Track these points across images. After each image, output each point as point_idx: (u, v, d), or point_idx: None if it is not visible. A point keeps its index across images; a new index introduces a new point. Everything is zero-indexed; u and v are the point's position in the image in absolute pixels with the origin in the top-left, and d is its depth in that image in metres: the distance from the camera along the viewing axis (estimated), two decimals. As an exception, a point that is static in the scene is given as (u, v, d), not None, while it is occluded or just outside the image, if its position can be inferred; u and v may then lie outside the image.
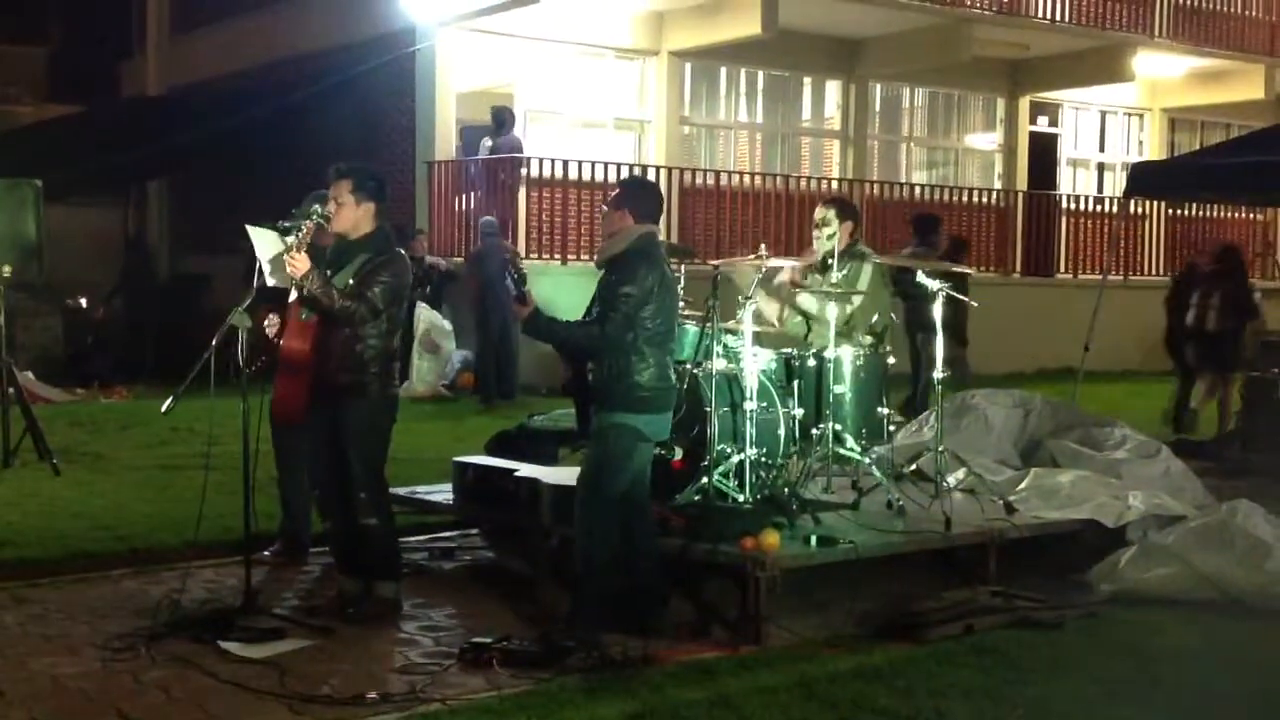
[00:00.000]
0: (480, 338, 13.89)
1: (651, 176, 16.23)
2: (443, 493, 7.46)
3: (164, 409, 5.79)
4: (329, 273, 5.88)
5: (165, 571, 6.72)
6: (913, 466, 7.43)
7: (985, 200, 19.91)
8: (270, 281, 5.92)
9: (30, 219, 9.76)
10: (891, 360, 7.39)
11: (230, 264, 14.41)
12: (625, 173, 15.63)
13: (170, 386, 5.89)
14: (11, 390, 9.55)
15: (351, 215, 5.92)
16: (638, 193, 5.97)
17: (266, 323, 6.04)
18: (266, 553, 6.92)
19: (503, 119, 15.57)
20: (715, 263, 7.36)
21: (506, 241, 14.53)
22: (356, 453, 5.89)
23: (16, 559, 6.80)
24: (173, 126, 20.08)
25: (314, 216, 5.76)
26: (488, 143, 15.52)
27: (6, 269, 9.51)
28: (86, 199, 19.24)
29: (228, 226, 16.72)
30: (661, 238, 6.23)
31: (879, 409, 7.26)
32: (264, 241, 5.93)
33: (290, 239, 5.67)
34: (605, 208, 5.92)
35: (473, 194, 16.03)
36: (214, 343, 5.72)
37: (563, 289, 13.25)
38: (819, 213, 7.57)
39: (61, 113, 24.19)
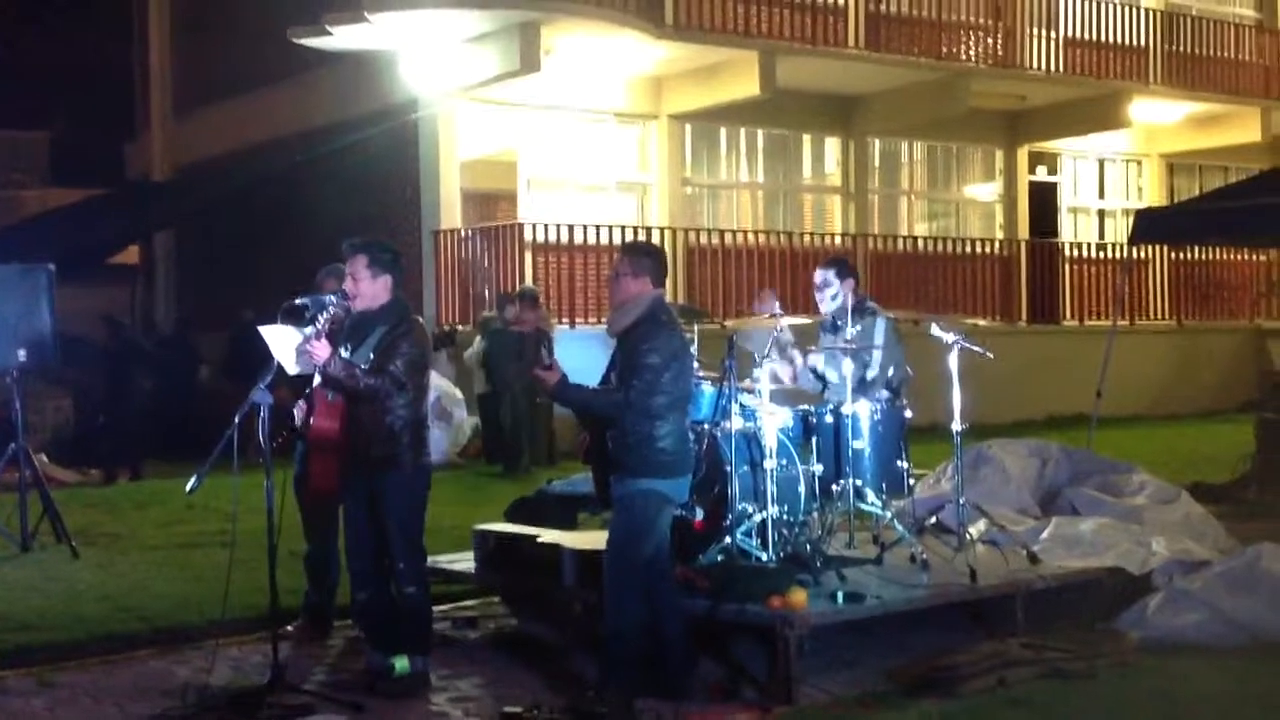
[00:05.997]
0: (514, 404, 13.91)
1: (655, 237, 16.35)
2: (464, 561, 7.45)
3: (189, 489, 5.79)
4: (349, 346, 5.94)
5: (190, 651, 6.71)
6: (934, 519, 7.42)
7: (988, 250, 20.00)
8: (294, 371, 5.97)
9: (44, 303, 9.82)
10: (908, 414, 7.40)
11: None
12: (630, 235, 15.72)
13: (180, 464, 5.91)
14: (28, 473, 9.56)
15: (369, 289, 5.99)
16: (652, 259, 5.97)
17: (296, 408, 6.07)
18: (290, 628, 6.90)
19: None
20: (730, 323, 7.40)
21: (541, 310, 14.58)
22: (395, 524, 5.93)
23: (42, 643, 6.77)
24: (177, 206, 20.28)
25: (333, 306, 5.85)
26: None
27: (21, 353, 9.55)
28: (95, 281, 19.34)
29: (236, 303, 16.92)
30: (669, 299, 6.26)
31: (898, 462, 7.26)
32: (279, 337, 5.99)
33: (309, 329, 5.79)
34: (617, 274, 5.89)
35: (477, 262, 16.16)
36: (236, 420, 5.74)
37: (571, 352, 13.25)
38: (818, 275, 7.60)
39: (66, 197, 24.39)
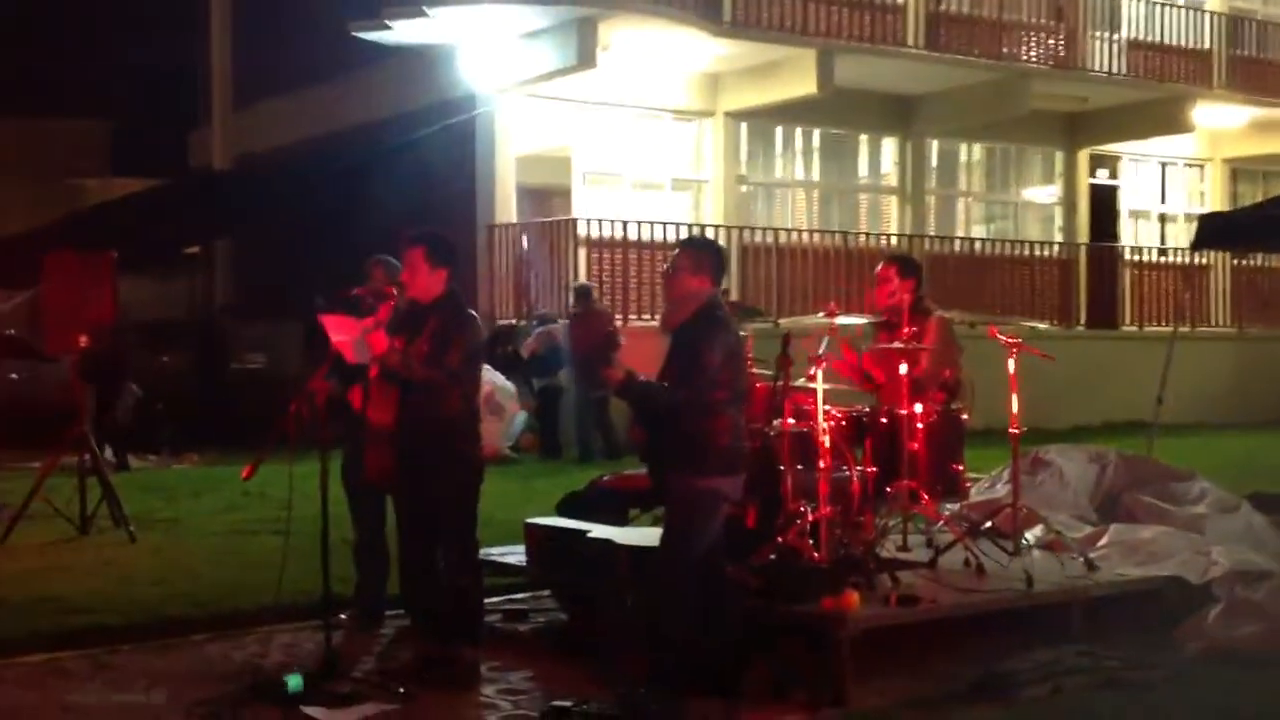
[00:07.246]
0: (579, 397, 14.19)
1: (710, 235, 16.32)
2: (515, 554, 7.46)
3: (245, 477, 5.83)
4: (405, 337, 5.95)
5: (244, 636, 6.76)
6: (989, 524, 7.34)
7: (1047, 253, 19.81)
8: (352, 360, 5.99)
9: (106, 291, 9.92)
10: (965, 416, 7.31)
11: (292, 330, 14.65)
12: (684, 232, 15.70)
13: (232, 451, 5.96)
14: (88, 458, 9.67)
15: (426, 281, 6.01)
16: (712, 256, 5.92)
17: (352, 397, 6.09)
18: (342, 616, 6.93)
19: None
20: (784, 321, 7.35)
21: (603, 306, 14.76)
22: (448, 514, 5.94)
23: (97, 625, 6.85)
24: (237, 197, 20.50)
25: (390, 297, 5.88)
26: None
27: (83, 340, 9.65)
28: (154, 270, 19.58)
29: (291, 293, 17.03)
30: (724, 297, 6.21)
31: (954, 465, 7.18)
32: (338, 326, 6.01)
33: (368, 320, 5.77)
34: (676, 269, 5.84)
35: (532, 257, 16.22)
36: (292, 410, 5.78)
37: (625, 348, 13.29)
38: (880, 270, 7.54)
39: (128, 186, 24.67)
